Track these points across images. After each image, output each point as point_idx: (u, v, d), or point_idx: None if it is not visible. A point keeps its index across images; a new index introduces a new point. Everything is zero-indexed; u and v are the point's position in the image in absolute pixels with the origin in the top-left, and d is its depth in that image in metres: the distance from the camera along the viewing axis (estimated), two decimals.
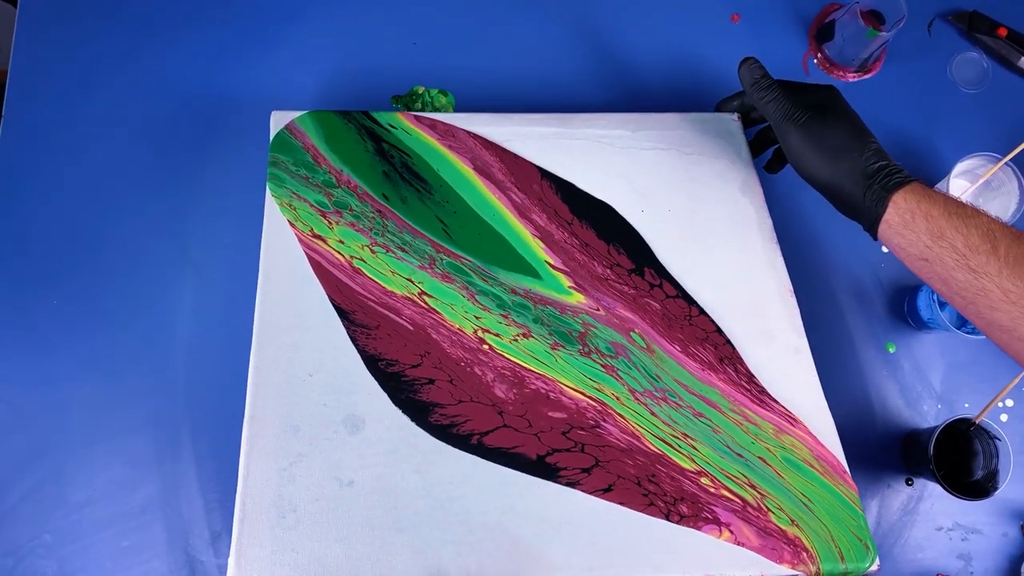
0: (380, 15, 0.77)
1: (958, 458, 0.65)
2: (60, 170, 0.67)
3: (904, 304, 0.73)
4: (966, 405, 0.71)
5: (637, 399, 0.56)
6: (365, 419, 0.52)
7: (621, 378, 0.57)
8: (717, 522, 0.52)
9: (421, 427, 0.52)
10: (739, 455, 0.55)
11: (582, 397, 0.56)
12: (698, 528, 0.52)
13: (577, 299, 0.59)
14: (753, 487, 0.54)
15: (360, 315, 0.56)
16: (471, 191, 0.62)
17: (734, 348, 0.59)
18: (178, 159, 0.69)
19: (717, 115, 0.69)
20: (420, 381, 0.54)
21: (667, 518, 0.52)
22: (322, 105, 0.72)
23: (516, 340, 0.57)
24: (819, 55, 0.80)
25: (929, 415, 0.71)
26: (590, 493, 0.52)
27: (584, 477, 0.53)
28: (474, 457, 0.52)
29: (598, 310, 0.59)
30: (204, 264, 0.67)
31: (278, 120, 0.63)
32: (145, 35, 0.72)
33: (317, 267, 0.57)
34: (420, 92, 0.74)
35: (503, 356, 0.56)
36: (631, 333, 0.59)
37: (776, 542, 0.52)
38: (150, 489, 0.61)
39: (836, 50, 0.79)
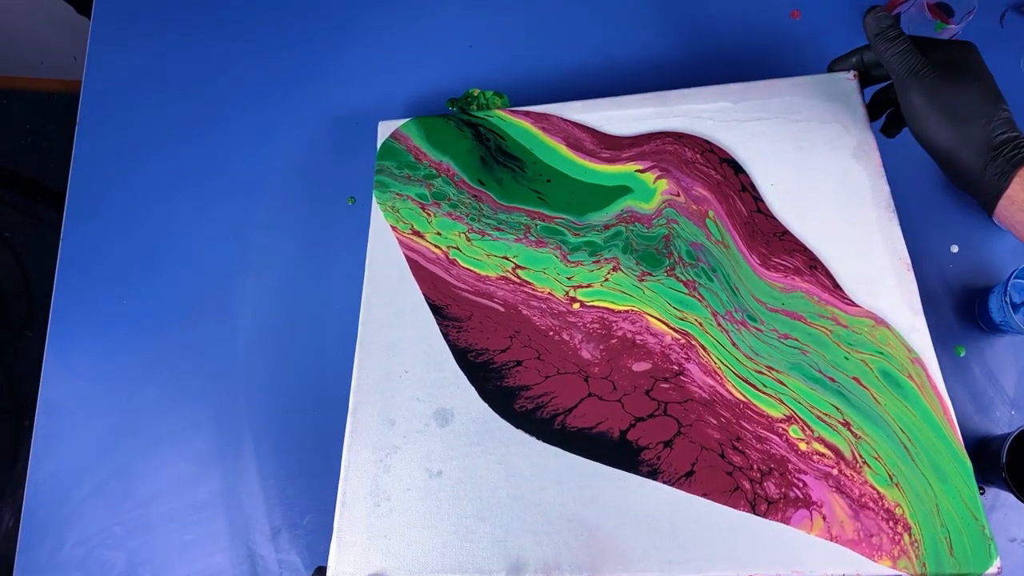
0: (435, 21, 0.78)
1: None
2: (130, 178, 0.70)
3: (975, 306, 0.70)
4: None
5: (719, 324, 0.56)
6: (454, 412, 0.55)
7: (703, 296, 0.57)
8: (808, 503, 0.50)
9: (506, 418, 0.54)
10: (831, 380, 0.53)
11: (667, 331, 0.56)
12: (787, 521, 0.50)
13: (661, 187, 0.61)
14: (847, 426, 0.52)
15: (453, 308, 0.59)
16: (563, 160, 0.64)
17: (827, 266, 0.58)
18: (238, 167, 0.71)
19: (830, 75, 0.65)
20: (508, 365, 0.56)
21: (753, 508, 0.50)
22: (381, 112, 0.73)
23: (607, 280, 0.59)
24: None
25: (1002, 421, 0.68)
26: (671, 484, 0.51)
27: (666, 455, 0.52)
28: (556, 448, 0.53)
29: (678, 195, 0.61)
30: (264, 268, 0.68)
31: (384, 129, 0.67)
32: (210, 47, 0.74)
33: (415, 266, 0.61)
34: (475, 94, 0.75)
35: (592, 307, 0.57)
36: (706, 220, 0.59)
37: (873, 518, 0.49)
38: (213, 485, 0.62)
39: None
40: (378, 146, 0.67)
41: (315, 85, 0.74)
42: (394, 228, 0.63)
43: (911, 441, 0.52)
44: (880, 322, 0.55)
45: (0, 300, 1.45)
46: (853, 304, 0.55)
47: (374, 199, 0.64)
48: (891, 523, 0.50)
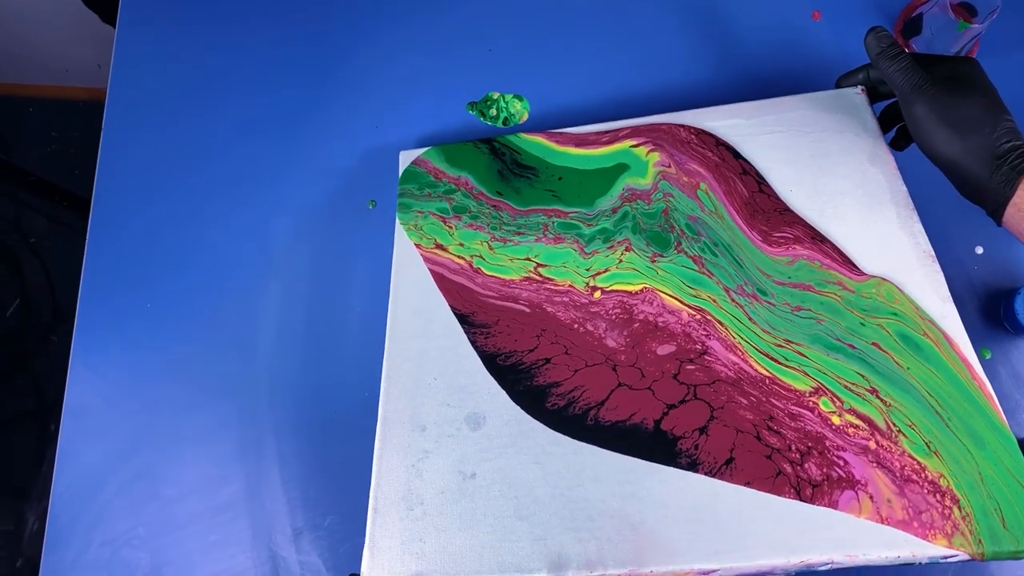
0: (454, 22, 0.79)
1: None
2: (154, 183, 0.71)
3: (1000, 308, 0.69)
4: None
5: (732, 299, 0.56)
6: (486, 416, 0.55)
7: (711, 272, 0.58)
8: (852, 483, 0.49)
9: (538, 419, 0.54)
10: (851, 347, 0.53)
11: (683, 308, 0.56)
12: (835, 505, 0.48)
13: (653, 159, 0.64)
14: (875, 393, 0.51)
15: (479, 315, 0.59)
16: (572, 158, 0.67)
17: (837, 246, 0.58)
18: (261, 173, 0.72)
19: (839, 91, 0.66)
20: (537, 364, 0.56)
21: (799, 494, 0.49)
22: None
23: (621, 260, 0.60)
24: (906, 51, 0.77)
25: None
26: (713, 475, 0.50)
27: (703, 442, 0.51)
28: (592, 447, 0.52)
29: (669, 167, 0.63)
30: (286, 271, 0.69)
31: (405, 158, 0.69)
32: (234, 58, 0.75)
33: (439, 279, 0.62)
34: (495, 98, 0.75)
35: (612, 292, 0.58)
36: (697, 191, 0.61)
37: (919, 492, 0.48)
38: (236, 487, 0.63)
39: (924, 44, 0.76)
40: (400, 173, 0.69)
41: (340, 103, 0.75)
42: (417, 245, 0.64)
43: (941, 405, 0.51)
44: (884, 280, 0.55)
45: (25, 305, 1.47)
46: (860, 272, 0.56)
47: (397, 222, 0.66)
48: (938, 496, 0.48)
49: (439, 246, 0.64)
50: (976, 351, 0.68)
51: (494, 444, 0.54)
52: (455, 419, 0.55)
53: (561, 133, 0.68)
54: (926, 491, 0.48)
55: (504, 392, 0.56)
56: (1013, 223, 0.52)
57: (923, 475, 0.48)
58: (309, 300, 0.68)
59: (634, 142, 0.66)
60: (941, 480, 0.48)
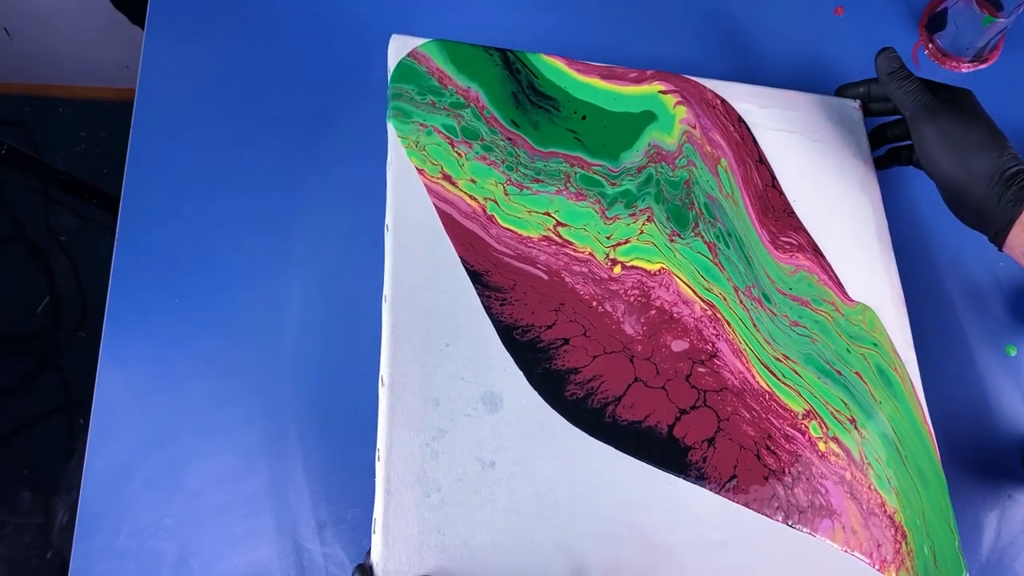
0: None
1: None
2: (181, 182, 0.72)
3: None
4: None
5: (740, 300, 0.55)
6: (503, 397, 0.50)
7: (723, 265, 0.56)
8: (830, 512, 0.50)
9: (557, 409, 0.50)
10: (839, 372, 0.53)
11: (697, 300, 0.55)
12: (815, 531, 0.50)
13: (680, 115, 0.60)
14: (854, 423, 0.52)
15: (495, 276, 0.53)
16: (597, 93, 0.60)
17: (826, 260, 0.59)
18: (283, 167, 0.73)
19: (840, 100, 0.66)
20: (555, 344, 0.52)
21: (787, 518, 0.50)
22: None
23: (642, 232, 0.56)
24: (930, 46, 0.76)
25: None
26: (719, 491, 0.50)
27: (711, 455, 0.51)
28: (609, 447, 0.50)
29: (694, 127, 0.59)
30: (308, 261, 0.69)
31: (399, 46, 0.57)
32: (261, 56, 0.76)
33: (448, 221, 0.53)
34: None
35: (631, 268, 0.55)
36: (718, 167, 0.59)
37: (879, 526, 0.49)
38: (260, 479, 0.64)
39: (949, 40, 0.75)
40: (391, 66, 0.57)
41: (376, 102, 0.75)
42: (420, 171, 0.54)
43: (900, 442, 0.52)
44: (868, 307, 0.56)
45: (55, 303, 1.50)
46: (849, 297, 0.56)
47: (392, 130, 0.54)
48: (892, 531, 0.50)
49: (447, 177, 0.54)
50: (1001, 348, 0.68)
51: (513, 431, 0.49)
52: (471, 397, 0.49)
53: (584, 63, 0.61)
54: (884, 525, 0.50)
55: (521, 372, 0.51)
56: (1017, 243, 0.53)
57: (883, 509, 0.50)
58: (332, 290, 0.68)
59: (662, 87, 0.61)
60: (896, 515, 0.50)
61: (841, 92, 0.68)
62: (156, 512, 0.63)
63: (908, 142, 0.66)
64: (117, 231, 0.70)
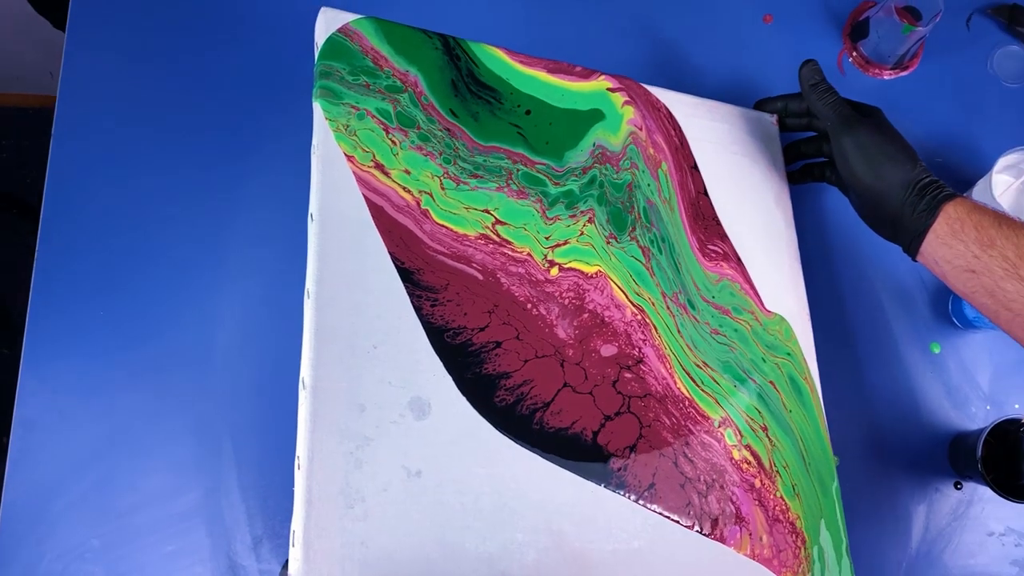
0: None
1: (1008, 460, 0.63)
2: (106, 190, 0.69)
3: (948, 303, 0.71)
4: (1016, 406, 0.69)
5: (667, 306, 0.55)
6: (431, 404, 0.48)
7: (653, 270, 0.56)
8: (739, 519, 0.51)
9: (485, 416, 0.49)
10: (753, 381, 0.54)
11: (628, 304, 0.54)
12: (723, 539, 0.51)
13: (627, 115, 0.59)
14: (765, 431, 0.53)
15: (426, 274, 0.50)
16: (542, 86, 0.57)
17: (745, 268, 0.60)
18: (217, 174, 0.71)
19: (758, 113, 0.68)
20: (487, 348, 0.50)
21: (699, 526, 0.51)
22: None
23: (582, 233, 0.55)
24: (854, 53, 0.79)
25: (977, 417, 0.69)
26: (637, 500, 0.51)
27: (631, 463, 0.51)
28: (535, 454, 0.49)
29: (640, 129, 0.59)
30: (241, 276, 0.68)
31: (328, 20, 0.52)
32: (187, 60, 0.74)
33: (378, 214, 0.49)
34: None
35: (568, 270, 0.54)
36: (659, 170, 0.58)
37: (782, 532, 0.51)
38: (193, 495, 0.62)
39: (871, 48, 0.78)
40: (318, 41, 0.52)
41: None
42: (350, 158, 0.49)
43: (806, 450, 0.54)
44: (784, 319, 0.58)
45: None
46: (766, 308, 0.57)
47: (319, 111, 0.50)
48: (793, 536, 0.51)
49: (379, 166, 0.50)
50: (926, 346, 0.70)
51: (440, 439, 0.47)
52: (398, 402, 0.47)
53: (527, 56, 0.58)
54: (787, 531, 0.51)
55: (450, 378, 0.49)
56: (930, 251, 0.55)
57: (787, 516, 0.51)
58: (267, 302, 0.67)
59: (610, 85, 0.60)
60: (797, 522, 0.52)
61: (760, 106, 0.69)
62: (82, 534, 0.60)
63: (821, 159, 0.68)
64: (38, 242, 0.67)
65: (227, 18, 0.75)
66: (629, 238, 0.57)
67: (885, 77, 0.78)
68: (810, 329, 0.61)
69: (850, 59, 0.79)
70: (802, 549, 0.51)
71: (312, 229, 0.49)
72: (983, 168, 0.75)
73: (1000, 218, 0.52)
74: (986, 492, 0.66)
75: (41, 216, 0.68)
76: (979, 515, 0.66)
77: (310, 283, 0.48)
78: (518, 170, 0.54)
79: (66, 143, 0.70)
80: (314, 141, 0.50)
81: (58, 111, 0.71)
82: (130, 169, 0.70)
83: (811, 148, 0.68)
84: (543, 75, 0.58)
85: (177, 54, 0.74)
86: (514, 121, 0.56)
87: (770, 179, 0.65)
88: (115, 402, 0.64)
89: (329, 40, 0.52)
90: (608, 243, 0.56)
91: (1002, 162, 0.69)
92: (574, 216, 0.55)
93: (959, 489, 0.67)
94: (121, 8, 0.74)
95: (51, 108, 0.72)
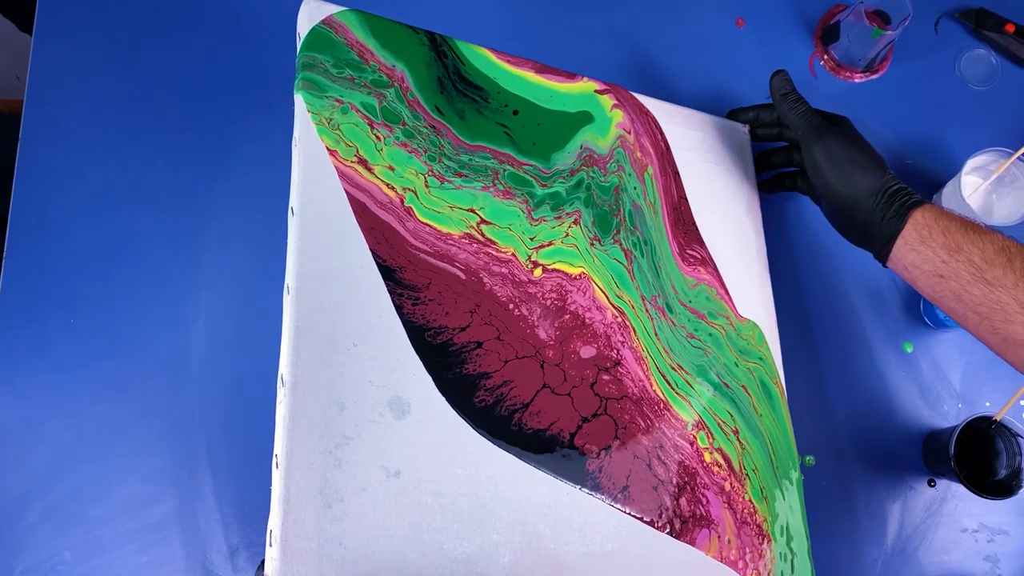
0: None
1: (980, 457, 0.64)
2: (75, 196, 0.68)
3: (920, 303, 0.72)
4: (987, 404, 0.70)
5: (646, 309, 0.56)
6: (411, 403, 0.47)
7: (634, 274, 0.56)
8: (709, 522, 0.52)
9: (464, 416, 0.49)
10: (726, 385, 0.55)
11: (609, 307, 0.55)
12: (692, 541, 0.51)
13: (616, 118, 0.59)
14: (736, 434, 0.54)
15: (408, 273, 0.49)
16: (530, 87, 0.57)
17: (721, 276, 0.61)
18: (190, 177, 0.70)
19: (732, 123, 0.69)
20: (468, 348, 0.50)
21: (670, 527, 0.51)
22: None
23: (567, 236, 0.55)
24: (825, 57, 0.80)
25: (949, 415, 0.70)
26: (611, 502, 0.51)
27: (607, 465, 0.51)
28: (513, 457, 0.49)
29: (628, 132, 0.59)
30: (216, 281, 0.67)
31: (312, 11, 0.51)
32: (155, 60, 0.73)
33: (360, 210, 0.49)
34: None
35: (553, 271, 0.54)
36: (645, 174, 0.59)
37: (749, 534, 0.52)
38: (168, 505, 0.61)
39: (842, 51, 0.79)
40: (301, 32, 0.51)
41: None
42: (332, 152, 0.49)
43: (774, 454, 0.54)
44: (756, 324, 0.58)
45: None
46: (739, 314, 0.58)
47: (301, 103, 0.49)
48: (760, 538, 0.52)
49: (362, 162, 0.50)
50: (899, 345, 0.71)
51: (420, 439, 0.47)
52: (378, 401, 0.46)
53: (513, 56, 0.58)
54: (753, 533, 0.52)
55: (431, 378, 0.48)
56: (899, 256, 0.56)
57: (754, 518, 0.52)
58: (240, 303, 0.66)
59: (598, 87, 0.60)
60: (764, 524, 0.52)
61: (732, 115, 0.70)
62: (54, 545, 0.59)
63: (792, 168, 0.69)
64: (5, 250, 0.66)
65: (200, 16, 0.74)
66: (612, 241, 0.57)
67: (856, 80, 0.79)
68: (777, 335, 0.62)
69: (821, 62, 0.80)
70: (767, 550, 0.51)
71: (292, 223, 0.48)
72: (952, 170, 0.76)
73: (966, 224, 0.53)
74: (959, 489, 0.67)
75: (8, 222, 0.66)
76: (953, 512, 0.67)
77: (290, 279, 0.47)
78: (505, 170, 0.54)
79: (34, 148, 0.69)
80: (295, 134, 0.49)
81: (25, 115, 0.69)
82: (100, 174, 0.69)
83: (781, 158, 0.69)
84: (531, 75, 0.59)
85: (149, 54, 0.72)
86: (501, 121, 0.55)
87: (742, 188, 0.66)
88: (86, 411, 0.63)
89: (312, 31, 0.51)
90: (592, 245, 0.56)
91: (971, 164, 0.71)
92: (559, 218, 0.56)
93: (933, 486, 0.67)
94: (89, 8, 0.73)
95: (18, 113, 0.71)
